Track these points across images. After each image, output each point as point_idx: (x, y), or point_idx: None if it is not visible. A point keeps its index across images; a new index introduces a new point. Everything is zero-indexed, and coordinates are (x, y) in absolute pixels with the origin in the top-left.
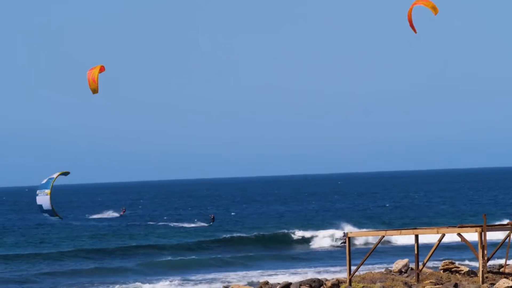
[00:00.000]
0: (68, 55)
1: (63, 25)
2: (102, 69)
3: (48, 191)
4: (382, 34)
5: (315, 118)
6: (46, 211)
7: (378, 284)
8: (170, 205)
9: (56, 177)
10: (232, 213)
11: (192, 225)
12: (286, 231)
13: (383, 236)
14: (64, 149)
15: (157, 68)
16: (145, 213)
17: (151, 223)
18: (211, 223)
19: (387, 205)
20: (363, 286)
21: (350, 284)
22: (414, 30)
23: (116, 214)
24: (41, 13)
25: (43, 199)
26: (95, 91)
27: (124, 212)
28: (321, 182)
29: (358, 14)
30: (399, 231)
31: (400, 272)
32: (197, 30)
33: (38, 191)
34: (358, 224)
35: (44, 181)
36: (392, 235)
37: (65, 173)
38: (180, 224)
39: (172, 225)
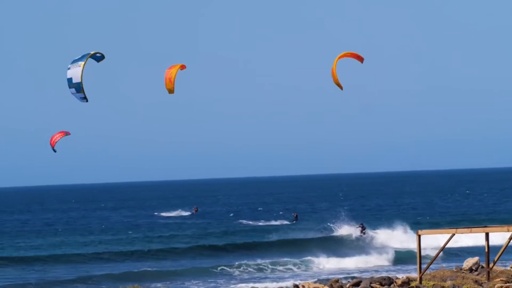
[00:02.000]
0: (69, 55)
1: (65, 24)
2: (182, 67)
3: (82, 63)
4: (382, 34)
5: (316, 118)
6: (75, 85)
7: (449, 282)
8: (235, 203)
9: (93, 54)
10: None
11: (276, 223)
12: (352, 230)
13: (454, 234)
14: (67, 149)
15: (162, 68)
16: (217, 211)
17: (233, 222)
18: (294, 222)
19: (446, 203)
20: (433, 284)
21: (420, 282)
22: (340, 87)
23: (187, 213)
24: (43, 12)
25: (75, 71)
26: (171, 91)
27: (196, 210)
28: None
29: (357, 12)
30: (470, 229)
31: (470, 270)
32: (201, 29)
33: (69, 65)
34: (424, 223)
35: (78, 57)
36: (462, 233)
37: (100, 55)
38: (266, 223)
39: (254, 223)
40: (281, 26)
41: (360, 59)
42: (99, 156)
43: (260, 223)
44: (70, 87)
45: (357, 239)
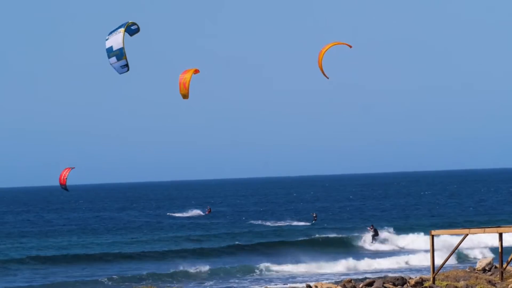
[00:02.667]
0: (69, 55)
1: (65, 24)
2: (196, 71)
3: (122, 29)
4: (383, 34)
5: (317, 118)
6: (116, 52)
7: (462, 282)
8: (244, 203)
9: (130, 23)
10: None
11: (296, 223)
12: (366, 233)
13: (467, 235)
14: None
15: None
16: (231, 211)
17: (250, 222)
18: (313, 222)
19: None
20: (446, 284)
21: (433, 282)
22: (326, 76)
23: (201, 213)
24: (44, 11)
25: (115, 38)
26: (185, 96)
27: (209, 211)
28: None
29: (359, 12)
30: (483, 229)
31: (484, 270)
32: (201, 28)
33: (107, 36)
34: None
35: (114, 28)
36: (475, 233)
37: (136, 28)
38: (285, 223)
39: (273, 224)
40: (282, 25)
41: (348, 45)
42: (98, 157)
43: (279, 224)
44: (110, 57)
45: (372, 240)
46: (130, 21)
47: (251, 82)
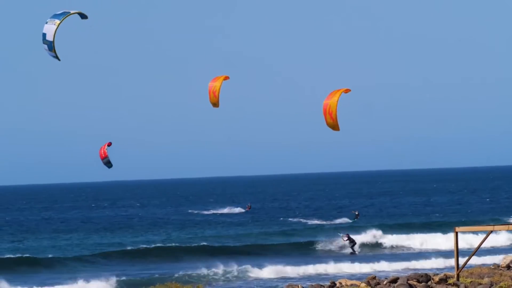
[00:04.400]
0: (68, 55)
1: (66, 23)
2: (226, 78)
3: (58, 21)
4: (386, 33)
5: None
6: (47, 42)
7: (486, 279)
8: (277, 200)
9: (72, 14)
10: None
11: (336, 221)
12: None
13: (491, 231)
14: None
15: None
16: (270, 208)
17: (293, 220)
18: (355, 219)
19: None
20: (471, 281)
21: (458, 279)
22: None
23: (241, 210)
24: (44, 11)
25: (50, 28)
26: (215, 105)
27: (249, 208)
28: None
29: (359, 11)
30: (507, 226)
31: (508, 267)
32: (200, 25)
33: (48, 20)
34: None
35: (59, 12)
36: (500, 230)
37: (82, 15)
38: (329, 221)
39: (316, 222)
40: (284, 24)
41: (347, 91)
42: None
43: (322, 222)
44: (43, 43)
45: (351, 249)
46: (72, 11)
47: (254, 82)
